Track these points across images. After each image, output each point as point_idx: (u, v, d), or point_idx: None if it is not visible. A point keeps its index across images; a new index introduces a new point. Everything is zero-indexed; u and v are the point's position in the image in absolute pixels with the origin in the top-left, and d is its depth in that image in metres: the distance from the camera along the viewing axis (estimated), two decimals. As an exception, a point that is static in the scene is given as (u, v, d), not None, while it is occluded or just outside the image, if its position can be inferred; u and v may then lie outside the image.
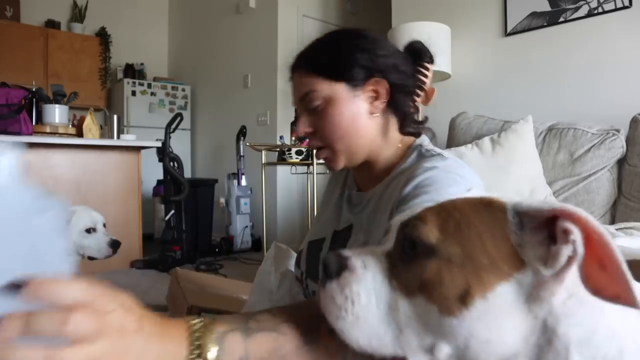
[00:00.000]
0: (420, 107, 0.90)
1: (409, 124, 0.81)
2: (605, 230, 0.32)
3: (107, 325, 0.39)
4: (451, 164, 0.72)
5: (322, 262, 0.42)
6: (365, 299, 0.39)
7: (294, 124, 3.01)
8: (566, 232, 0.33)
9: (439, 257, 0.36)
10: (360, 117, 0.77)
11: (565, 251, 0.33)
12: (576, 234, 0.33)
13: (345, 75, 0.76)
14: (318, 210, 1.00)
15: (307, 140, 0.82)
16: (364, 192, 0.84)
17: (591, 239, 0.32)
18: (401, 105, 0.80)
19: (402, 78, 0.79)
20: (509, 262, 0.35)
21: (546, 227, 0.35)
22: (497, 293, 0.35)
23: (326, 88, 0.77)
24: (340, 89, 0.76)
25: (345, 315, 0.39)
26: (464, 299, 0.35)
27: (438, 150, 0.79)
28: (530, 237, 0.36)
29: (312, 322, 0.47)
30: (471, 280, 0.35)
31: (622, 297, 0.32)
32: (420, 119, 0.85)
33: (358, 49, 0.77)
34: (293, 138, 3.00)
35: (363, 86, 0.77)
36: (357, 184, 0.89)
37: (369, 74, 0.77)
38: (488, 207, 0.38)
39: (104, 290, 0.43)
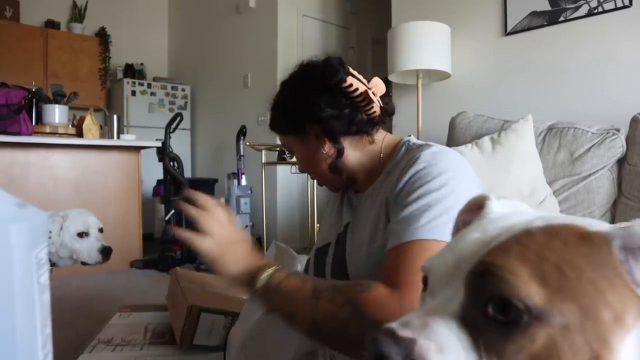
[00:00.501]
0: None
1: (373, 127, 0.85)
2: None
3: (224, 233, 0.74)
4: (436, 150, 0.75)
5: (373, 351, 0.30)
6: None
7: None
8: None
9: (550, 323, 0.28)
10: (315, 154, 0.85)
11: None
12: None
13: (288, 129, 0.88)
14: (322, 219, 1.04)
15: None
16: (361, 194, 0.88)
17: None
18: (336, 139, 0.83)
19: (329, 116, 0.81)
20: (633, 311, 0.28)
21: None
22: (621, 353, 0.28)
23: (286, 140, 0.90)
24: (292, 140, 0.88)
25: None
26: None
27: (423, 142, 0.83)
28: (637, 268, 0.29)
29: (323, 286, 0.67)
30: (596, 346, 0.27)
31: None
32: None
33: (288, 102, 0.86)
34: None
35: (304, 131, 0.84)
36: (355, 186, 0.92)
37: (302, 121, 0.83)
38: (587, 241, 0.30)
39: (231, 220, 0.77)
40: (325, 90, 0.81)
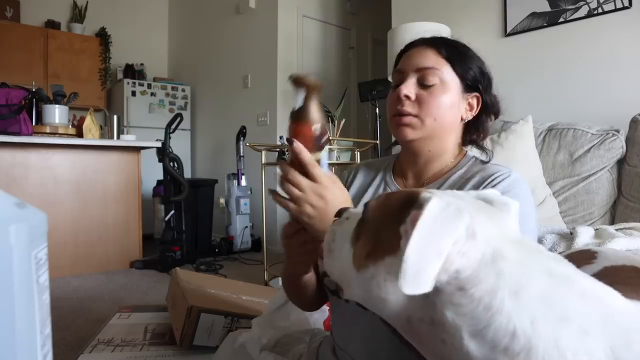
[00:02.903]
0: None
1: (481, 143, 0.91)
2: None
3: (323, 178, 0.68)
4: (518, 175, 0.82)
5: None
6: (338, 240, 0.48)
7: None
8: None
9: (365, 223, 0.45)
10: (456, 113, 0.86)
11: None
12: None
13: (464, 75, 0.85)
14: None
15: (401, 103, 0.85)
16: (420, 185, 0.88)
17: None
18: (482, 124, 0.90)
19: (490, 105, 0.90)
20: (395, 242, 0.39)
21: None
22: (385, 263, 0.40)
23: (448, 73, 0.84)
24: (456, 82, 0.85)
25: (328, 247, 0.50)
26: (364, 260, 0.42)
27: (493, 162, 0.87)
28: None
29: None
30: (370, 247, 0.42)
31: None
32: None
33: (478, 62, 0.89)
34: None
35: (468, 93, 0.86)
36: (397, 183, 0.92)
37: (476, 86, 0.87)
38: (406, 198, 0.42)
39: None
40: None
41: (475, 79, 0.87)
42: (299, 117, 0.68)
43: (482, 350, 0.35)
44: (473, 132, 0.90)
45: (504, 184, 0.77)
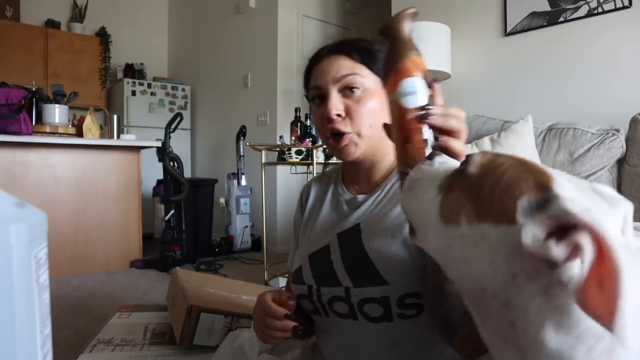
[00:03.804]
0: None
1: None
2: (621, 249, 0.30)
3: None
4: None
5: (429, 157, 0.53)
6: (425, 181, 0.48)
7: (294, 124, 3.00)
8: (577, 247, 0.32)
9: (465, 177, 0.42)
10: (386, 113, 0.81)
11: (571, 266, 0.32)
12: (587, 257, 0.31)
13: (381, 73, 0.80)
14: (302, 230, 0.96)
15: (333, 122, 0.81)
16: (367, 194, 0.85)
17: (602, 257, 0.31)
18: None
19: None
20: (502, 214, 0.38)
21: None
22: (481, 228, 0.39)
23: (368, 77, 0.81)
24: (377, 83, 0.81)
25: (410, 184, 0.50)
26: (456, 216, 0.41)
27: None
28: (539, 217, 0.35)
29: None
30: (467, 206, 0.40)
31: (604, 318, 0.30)
32: None
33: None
34: (293, 138, 3.00)
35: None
36: (349, 189, 0.90)
37: None
38: (531, 174, 0.39)
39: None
40: None
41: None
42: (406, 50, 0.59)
43: (562, 343, 0.34)
44: None
45: None
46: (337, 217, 0.89)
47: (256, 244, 4.07)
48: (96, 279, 2.99)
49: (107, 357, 1.23)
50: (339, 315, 0.80)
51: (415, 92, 0.57)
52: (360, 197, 0.86)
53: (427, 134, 0.57)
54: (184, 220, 3.51)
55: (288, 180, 3.98)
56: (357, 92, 0.80)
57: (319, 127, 0.84)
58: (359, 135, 0.81)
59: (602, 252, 0.31)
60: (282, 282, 2.73)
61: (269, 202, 3.54)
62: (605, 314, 0.30)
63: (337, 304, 0.79)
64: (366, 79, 0.81)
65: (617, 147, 1.91)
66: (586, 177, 1.92)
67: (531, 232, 0.35)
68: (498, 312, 0.38)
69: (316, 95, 0.83)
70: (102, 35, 5.16)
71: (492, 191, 0.39)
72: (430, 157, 0.51)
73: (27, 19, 4.82)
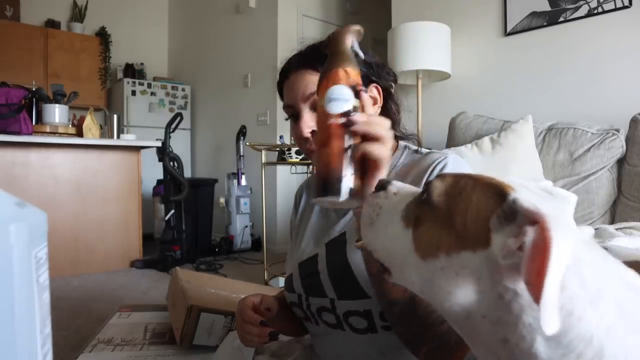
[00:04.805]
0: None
1: (398, 128, 0.85)
2: (564, 245, 0.32)
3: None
4: (457, 157, 0.76)
5: (379, 183, 0.51)
6: (385, 215, 0.46)
7: (293, 124, 3.00)
8: (524, 234, 0.35)
9: (432, 208, 0.41)
10: None
11: (522, 250, 0.35)
12: (528, 240, 0.34)
13: None
14: (295, 236, 0.96)
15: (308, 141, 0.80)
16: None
17: (544, 248, 0.32)
18: (391, 110, 0.84)
19: (389, 85, 0.83)
20: (477, 238, 0.38)
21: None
22: (460, 257, 0.38)
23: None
24: None
25: (369, 220, 0.48)
26: (433, 249, 0.40)
27: (425, 150, 0.82)
28: (509, 227, 0.37)
29: None
30: (442, 237, 0.39)
31: (535, 287, 0.33)
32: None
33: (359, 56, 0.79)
34: (293, 138, 3.00)
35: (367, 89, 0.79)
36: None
37: (368, 80, 0.79)
38: (491, 189, 0.39)
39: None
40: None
41: (364, 74, 0.79)
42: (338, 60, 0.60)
43: (553, 354, 0.35)
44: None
45: (445, 171, 0.73)
46: (325, 224, 0.87)
47: (256, 243, 4.07)
48: (96, 279, 2.99)
49: (107, 357, 1.23)
50: (328, 324, 0.80)
51: (341, 99, 0.56)
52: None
53: (348, 141, 0.56)
54: (184, 220, 3.51)
55: (288, 180, 3.98)
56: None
57: (298, 144, 0.84)
58: (311, 150, 0.79)
59: (544, 235, 0.33)
60: (282, 281, 2.73)
61: (269, 202, 3.54)
62: (536, 283, 0.32)
63: (325, 314, 0.79)
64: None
65: (617, 147, 1.91)
66: (586, 177, 1.92)
67: (505, 246, 0.36)
68: (489, 331, 0.38)
69: (290, 114, 0.82)
70: (102, 35, 5.16)
71: (463, 218, 0.39)
72: (382, 186, 0.49)
73: (27, 19, 4.82)
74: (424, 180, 0.73)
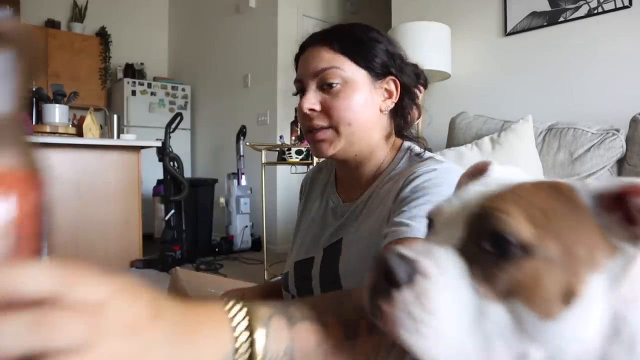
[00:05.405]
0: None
1: (408, 129, 0.82)
2: None
3: (106, 324, 0.26)
4: (449, 166, 0.70)
5: (380, 266, 0.34)
6: (447, 310, 0.33)
7: (294, 124, 3.00)
8: None
9: (536, 256, 0.32)
10: (372, 108, 0.76)
11: None
12: None
13: (369, 64, 0.75)
14: (296, 226, 0.94)
15: (309, 117, 0.77)
16: (351, 203, 0.81)
17: None
18: (406, 108, 0.80)
19: (411, 83, 0.80)
20: (602, 250, 0.33)
21: (617, 206, 0.33)
22: (591, 287, 0.32)
23: (350, 69, 0.74)
24: (362, 75, 0.75)
25: (424, 329, 0.33)
26: (566, 298, 0.32)
27: (429, 153, 0.78)
28: (609, 219, 0.33)
29: (352, 314, 0.43)
30: (572, 277, 0.32)
31: None
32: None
33: (382, 44, 0.77)
34: (293, 138, 3.00)
35: (381, 81, 0.77)
36: (340, 192, 0.86)
37: (387, 71, 0.77)
38: (560, 190, 0.35)
39: (89, 272, 0.27)
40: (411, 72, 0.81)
41: (384, 64, 0.76)
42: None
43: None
44: (401, 119, 0.81)
45: (415, 183, 0.66)
46: (321, 224, 0.86)
47: (256, 243, 4.07)
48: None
49: (107, 357, 1.23)
50: None
51: None
52: (344, 206, 0.83)
53: None
54: (184, 220, 3.51)
55: (288, 180, 3.98)
56: (336, 87, 0.74)
57: (300, 122, 0.81)
58: (336, 132, 0.75)
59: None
60: (282, 282, 2.73)
61: (269, 202, 3.54)
62: None
63: None
64: (347, 72, 0.74)
65: (617, 147, 1.91)
66: (586, 177, 1.92)
67: (620, 235, 0.33)
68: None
69: (298, 88, 0.79)
70: (102, 35, 5.16)
71: (575, 236, 0.33)
72: (408, 277, 0.33)
73: (27, 18, 4.82)
74: (403, 191, 0.67)
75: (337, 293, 0.50)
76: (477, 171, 0.47)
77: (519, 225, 0.32)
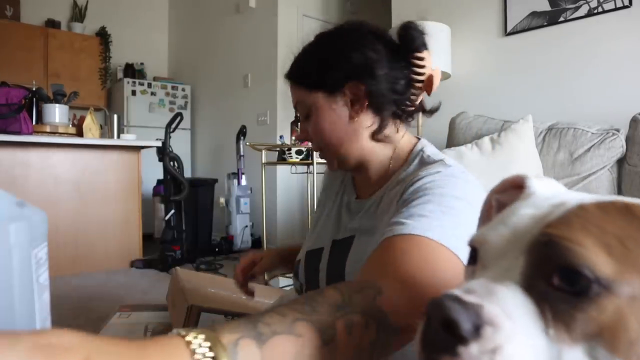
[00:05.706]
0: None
1: (381, 132, 0.78)
2: None
3: None
4: (454, 170, 0.69)
5: (437, 314, 0.29)
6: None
7: (294, 124, 3.00)
8: None
9: (618, 293, 0.28)
10: (341, 123, 0.77)
11: None
12: None
13: (320, 84, 0.77)
14: (314, 216, 0.96)
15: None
16: (364, 200, 0.82)
17: None
18: (380, 108, 0.77)
19: (383, 79, 0.75)
20: None
21: None
22: None
23: (308, 98, 0.78)
24: (318, 98, 0.77)
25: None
26: None
27: (441, 155, 0.76)
28: None
29: (327, 316, 0.42)
30: None
31: None
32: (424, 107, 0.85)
33: (332, 54, 0.77)
34: (293, 138, 3.00)
35: (340, 91, 0.76)
36: (356, 189, 0.87)
37: (344, 80, 0.75)
38: (633, 213, 0.30)
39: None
40: (391, 53, 0.76)
41: (339, 72, 0.75)
42: None
43: None
44: (376, 120, 0.78)
45: (417, 185, 0.66)
46: (335, 219, 0.87)
47: (256, 243, 4.07)
48: (96, 278, 2.99)
49: (107, 356, 1.23)
50: None
51: None
52: (357, 202, 0.84)
53: None
54: (184, 220, 3.51)
55: (288, 180, 3.98)
56: (311, 117, 0.79)
57: None
58: (326, 151, 0.81)
59: None
60: (283, 282, 2.73)
61: (269, 202, 3.54)
62: None
63: None
64: (309, 100, 0.78)
65: (617, 147, 1.91)
66: (586, 177, 1.92)
67: None
68: None
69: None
70: (102, 35, 5.16)
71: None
72: (475, 328, 0.28)
73: (27, 18, 4.82)
74: (404, 195, 0.67)
75: (309, 295, 0.48)
76: (510, 186, 0.42)
77: (595, 258, 0.28)
